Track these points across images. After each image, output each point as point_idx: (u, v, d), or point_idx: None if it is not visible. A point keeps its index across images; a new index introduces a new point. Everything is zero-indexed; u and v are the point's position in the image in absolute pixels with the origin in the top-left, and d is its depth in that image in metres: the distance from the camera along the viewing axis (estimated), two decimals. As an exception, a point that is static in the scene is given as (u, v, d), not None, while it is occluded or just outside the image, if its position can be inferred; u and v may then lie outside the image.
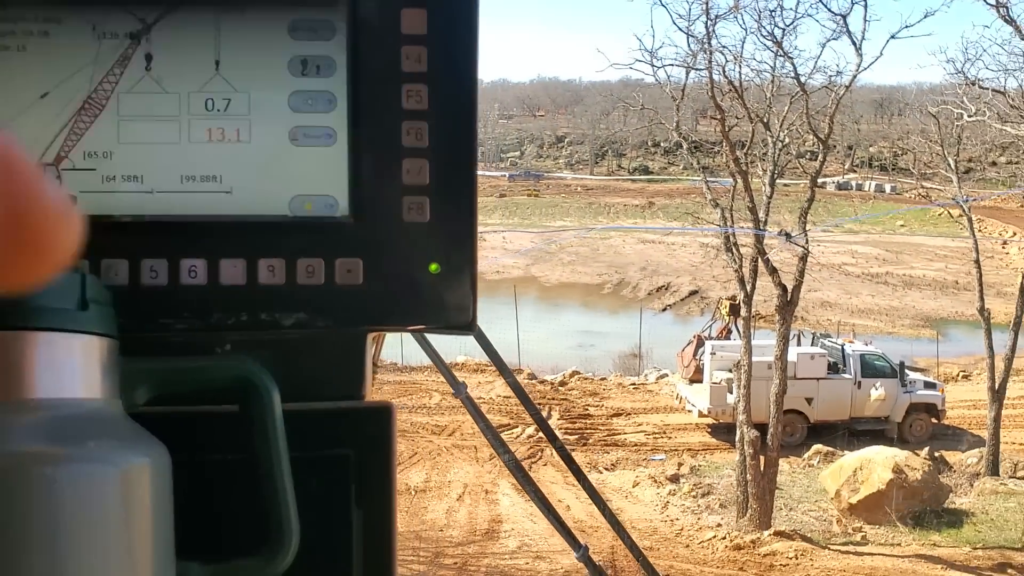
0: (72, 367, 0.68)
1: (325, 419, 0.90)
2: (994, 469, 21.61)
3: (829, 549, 17.26)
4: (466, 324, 0.91)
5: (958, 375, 31.74)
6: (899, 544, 17.76)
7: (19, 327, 0.65)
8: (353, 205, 0.88)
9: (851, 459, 19.57)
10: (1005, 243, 53.52)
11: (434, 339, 1.86)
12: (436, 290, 0.90)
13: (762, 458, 18.02)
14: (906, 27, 19.83)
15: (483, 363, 26.17)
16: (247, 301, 0.88)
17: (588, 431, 24.74)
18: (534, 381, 28.67)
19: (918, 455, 20.13)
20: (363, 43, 0.88)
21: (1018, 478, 20.20)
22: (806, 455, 22.71)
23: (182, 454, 0.73)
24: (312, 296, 0.88)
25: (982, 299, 23.07)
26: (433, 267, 0.89)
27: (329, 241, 0.88)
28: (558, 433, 23.69)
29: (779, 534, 17.43)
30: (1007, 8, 17.41)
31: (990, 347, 22.47)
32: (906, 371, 25.33)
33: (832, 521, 18.78)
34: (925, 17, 18.95)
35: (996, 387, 21.99)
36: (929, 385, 25.76)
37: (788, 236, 17.63)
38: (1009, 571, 16.53)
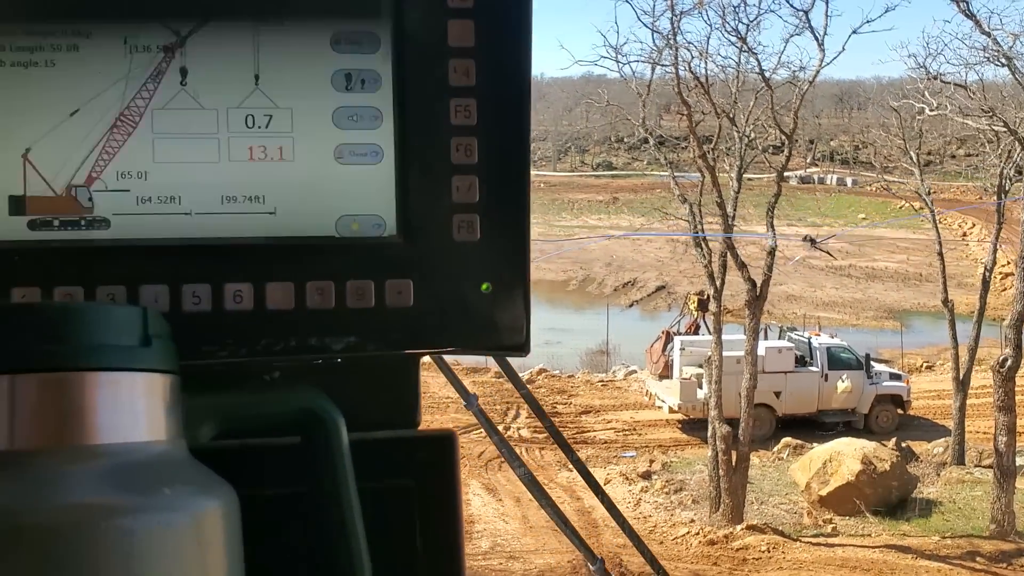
0: (136, 408, 0.64)
1: (385, 449, 0.88)
2: (960, 458, 21.93)
3: (801, 541, 17.39)
4: (519, 345, 0.89)
5: (922, 366, 32.20)
6: (869, 535, 17.94)
7: (79, 368, 0.61)
8: (401, 224, 0.86)
9: (820, 451, 19.72)
10: (965, 235, 54.42)
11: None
12: (488, 310, 0.88)
13: (734, 453, 18.09)
14: (867, 22, 20.26)
15: (454, 359, 26.02)
16: (295, 326, 0.84)
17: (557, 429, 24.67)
18: (501, 379, 28.55)
19: (885, 446, 20.34)
20: (409, 56, 0.85)
21: (984, 466, 20.47)
22: (775, 448, 22.87)
23: (244, 489, 0.70)
24: (362, 319, 0.86)
25: (945, 291, 23.40)
26: (485, 286, 0.88)
27: (378, 262, 0.86)
28: (526, 432, 23.63)
29: (751, 528, 17.54)
30: (967, 3, 17.60)
31: (954, 337, 22.79)
32: (872, 363, 25.64)
33: (803, 514, 18.93)
34: (886, 12, 19.24)
35: (961, 377, 22.29)
36: (894, 376, 26.10)
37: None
38: (977, 559, 16.74)
